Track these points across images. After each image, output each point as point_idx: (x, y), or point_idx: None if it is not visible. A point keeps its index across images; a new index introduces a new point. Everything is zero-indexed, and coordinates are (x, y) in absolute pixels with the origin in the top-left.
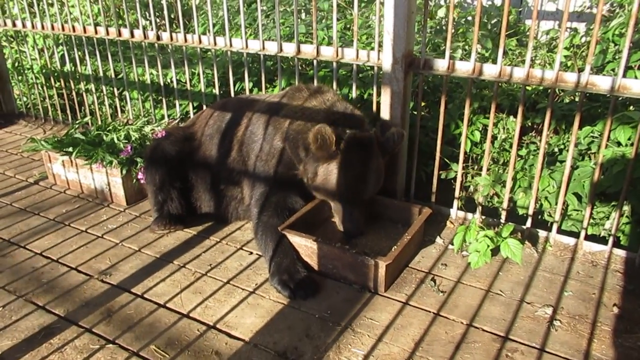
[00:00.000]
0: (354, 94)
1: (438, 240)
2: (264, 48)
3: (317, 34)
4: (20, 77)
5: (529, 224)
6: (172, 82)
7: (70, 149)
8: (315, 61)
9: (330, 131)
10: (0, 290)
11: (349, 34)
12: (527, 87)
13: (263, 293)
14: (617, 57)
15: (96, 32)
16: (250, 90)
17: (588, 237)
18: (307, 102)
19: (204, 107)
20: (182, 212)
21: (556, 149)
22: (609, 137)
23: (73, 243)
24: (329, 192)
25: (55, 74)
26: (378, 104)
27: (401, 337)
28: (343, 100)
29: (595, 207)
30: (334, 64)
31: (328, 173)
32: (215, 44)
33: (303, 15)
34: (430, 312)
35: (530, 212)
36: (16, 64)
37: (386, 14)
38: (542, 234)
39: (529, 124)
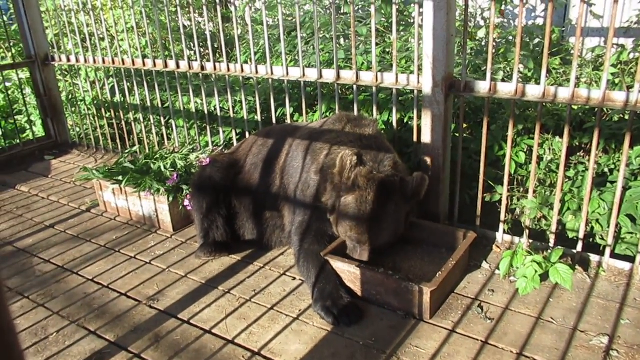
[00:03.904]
0: (394, 117)
1: (484, 265)
2: (304, 75)
3: (356, 59)
4: (73, 109)
5: (579, 248)
6: (215, 109)
7: (120, 178)
8: (355, 86)
9: (352, 159)
10: (55, 315)
11: (388, 58)
12: (573, 107)
13: (307, 319)
14: None
15: (144, 64)
16: (292, 116)
17: None
18: (344, 134)
19: (247, 133)
20: (226, 239)
21: (606, 169)
22: None
23: (123, 269)
24: (343, 226)
25: (106, 105)
26: (419, 127)
27: None
28: (381, 135)
29: None
30: (374, 88)
31: (346, 205)
32: (257, 72)
33: (342, 41)
34: (478, 340)
35: (581, 235)
36: (70, 97)
37: (425, 37)
38: (594, 258)
39: (576, 143)
